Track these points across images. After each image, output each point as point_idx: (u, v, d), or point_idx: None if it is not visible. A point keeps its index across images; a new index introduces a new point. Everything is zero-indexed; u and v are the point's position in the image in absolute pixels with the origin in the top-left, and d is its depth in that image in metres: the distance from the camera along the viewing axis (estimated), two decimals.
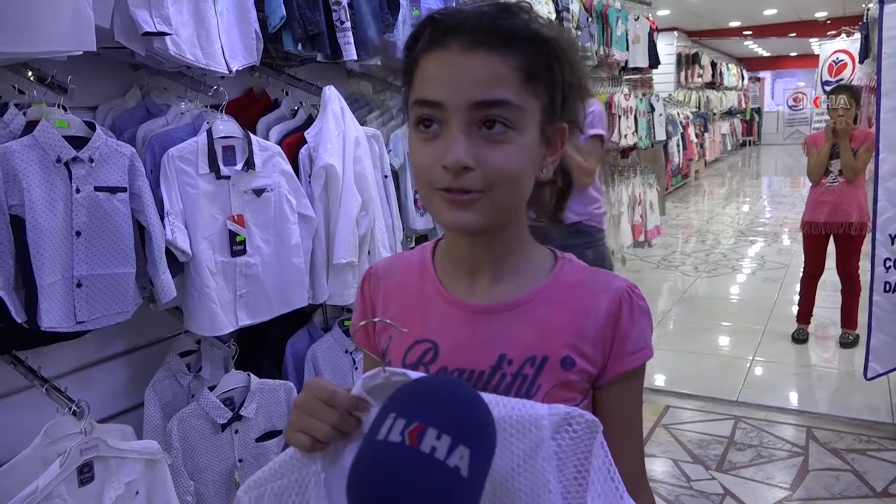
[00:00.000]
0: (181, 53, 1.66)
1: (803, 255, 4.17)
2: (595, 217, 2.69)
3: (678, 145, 9.28)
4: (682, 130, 9.49)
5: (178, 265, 1.72)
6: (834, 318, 4.19)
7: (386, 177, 2.30)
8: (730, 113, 15.91)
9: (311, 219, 1.98)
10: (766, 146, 19.78)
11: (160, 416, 1.81)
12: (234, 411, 1.82)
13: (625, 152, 5.11)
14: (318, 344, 2.16)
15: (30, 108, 1.48)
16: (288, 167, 1.92)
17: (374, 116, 2.46)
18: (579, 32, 3.96)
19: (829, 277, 4.13)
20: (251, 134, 1.86)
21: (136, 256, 1.59)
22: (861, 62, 6.94)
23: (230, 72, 1.81)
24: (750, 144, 19.48)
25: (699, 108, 12.45)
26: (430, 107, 0.70)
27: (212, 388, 1.81)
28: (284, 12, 1.89)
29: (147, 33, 1.55)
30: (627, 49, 4.76)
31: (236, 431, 1.83)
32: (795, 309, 4.28)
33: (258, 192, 1.84)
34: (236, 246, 1.80)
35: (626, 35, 4.73)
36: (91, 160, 1.49)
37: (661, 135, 5.66)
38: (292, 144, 2.02)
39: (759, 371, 3.84)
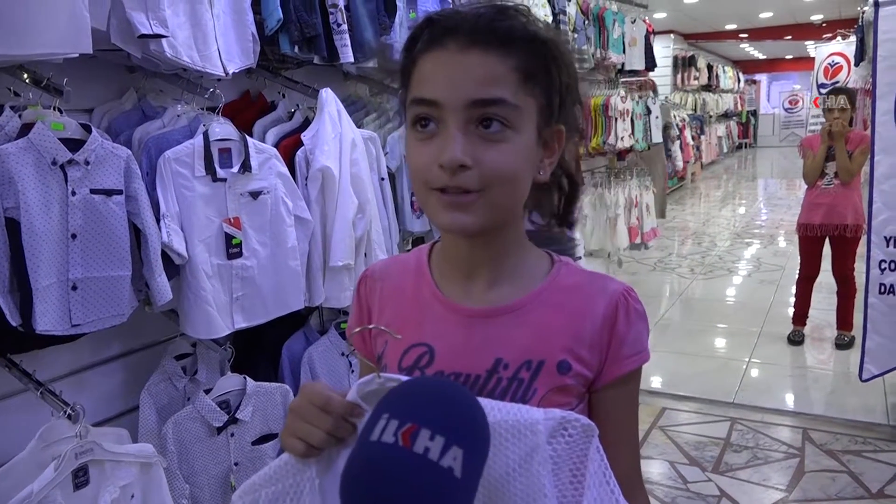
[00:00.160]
0: (178, 56, 1.65)
1: (799, 258, 4.19)
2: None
3: (681, 148, 9.30)
4: (678, 133, 9.51)
5: (174, 268, 1.71)
6: (830, 319, 4.20)
7: (382, 179, 2.30)
8: (726, 115, 15.97)
9: (308, 221, 1.97)
10: (761, 149, 19.83)
11: (155, 420, 1.80)
12: (230, 414, 1.82)
13: (621, 154, 5.11)
14: (315, 347, 2.16)
15: (25, 110, 1.48)
16: (284, 170, 1.92)
17: (371, 119, 2.46)
18: (576, 35, 3.96)
19: (825, 279, 4.14)
20: (247, 136, 1.86)
21: (131, 259, 1.58)
22: (857, 65, 6.97)
23: (227, 74, 1.80)
24: (746, 147, 19.53)
25: (695, 110, 12.49)
26: (427, 105, 0.70)
27: (207, 391, 1.81)
28: (281, 15, 1.89)
29: (143, 36, 1.55)
30: (624, 52, 4.77)
31: (232, 434, 1.82)
32: (791, 311, 4.29)
33: (254, 194, 1.84)
34: (232, 248, 1.80)
35: (623, 38, 4.73)
36: (87, 163, 1.49)
37: (657, 137, 5.67)
38: (289, 147, 2.02)
39: (755, 373, 3.84)
